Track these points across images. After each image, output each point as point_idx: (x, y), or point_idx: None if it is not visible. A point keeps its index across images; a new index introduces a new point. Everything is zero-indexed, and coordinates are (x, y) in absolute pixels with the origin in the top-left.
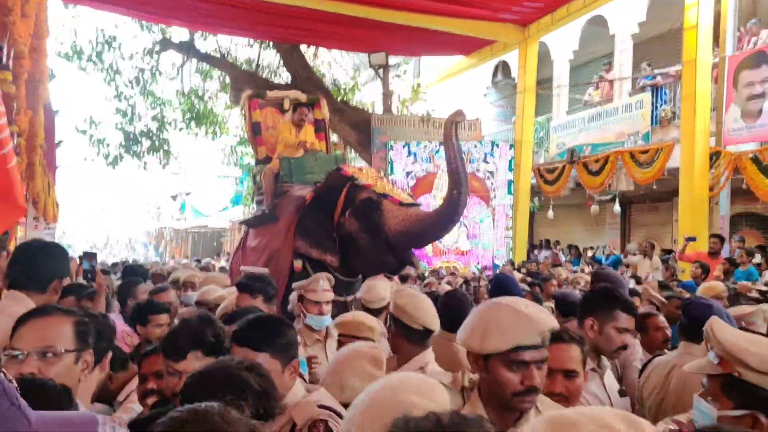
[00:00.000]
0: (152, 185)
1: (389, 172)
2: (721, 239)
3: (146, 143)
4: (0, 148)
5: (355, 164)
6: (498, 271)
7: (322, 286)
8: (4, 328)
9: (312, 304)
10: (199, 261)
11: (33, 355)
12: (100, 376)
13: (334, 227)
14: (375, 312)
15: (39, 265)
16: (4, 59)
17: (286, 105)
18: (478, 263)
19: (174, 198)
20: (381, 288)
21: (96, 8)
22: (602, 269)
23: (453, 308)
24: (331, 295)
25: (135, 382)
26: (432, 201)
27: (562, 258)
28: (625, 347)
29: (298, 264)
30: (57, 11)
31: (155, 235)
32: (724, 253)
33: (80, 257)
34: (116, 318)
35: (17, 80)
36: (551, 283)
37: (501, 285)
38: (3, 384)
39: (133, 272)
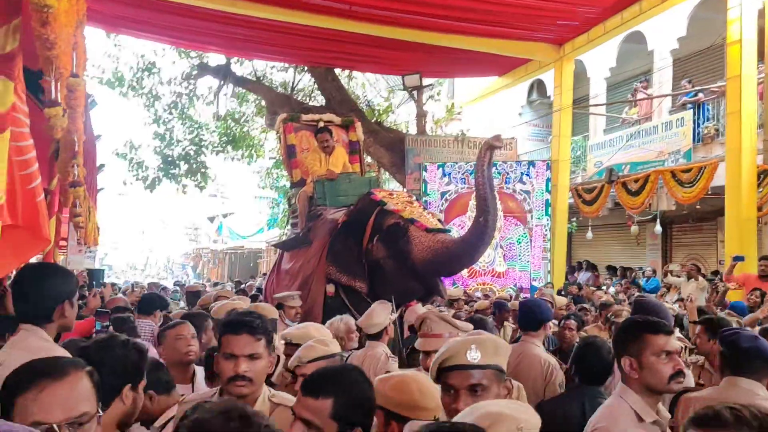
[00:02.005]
0: (190, 207)
1: (423, 193)
2: None
3: (184, 166)
4: (29, 183)
5: (389, 186)
6: (538, 293)
7: (431, 329)
8: (18, 363)
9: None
10: (240, 282)
11: (65, 428)
12: (123, 408)
13: (363, 253)
14: (374, 336)
15: (38, 294)
16: (53, 94)
17: (320, 128)
18: (515, 285)
19: (211, 220)
20: (377, 314)
21: (136, 37)
22: (642, 297)
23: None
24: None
25: (175, 409)
26: (467, 222)
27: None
28: (680, 373)
29: (330, 289)
30: (100, 40)
31: (193, 257)
32: None
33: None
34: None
35: (73, 113)
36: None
37: (643, 307)
38: None
39: (154, 304)
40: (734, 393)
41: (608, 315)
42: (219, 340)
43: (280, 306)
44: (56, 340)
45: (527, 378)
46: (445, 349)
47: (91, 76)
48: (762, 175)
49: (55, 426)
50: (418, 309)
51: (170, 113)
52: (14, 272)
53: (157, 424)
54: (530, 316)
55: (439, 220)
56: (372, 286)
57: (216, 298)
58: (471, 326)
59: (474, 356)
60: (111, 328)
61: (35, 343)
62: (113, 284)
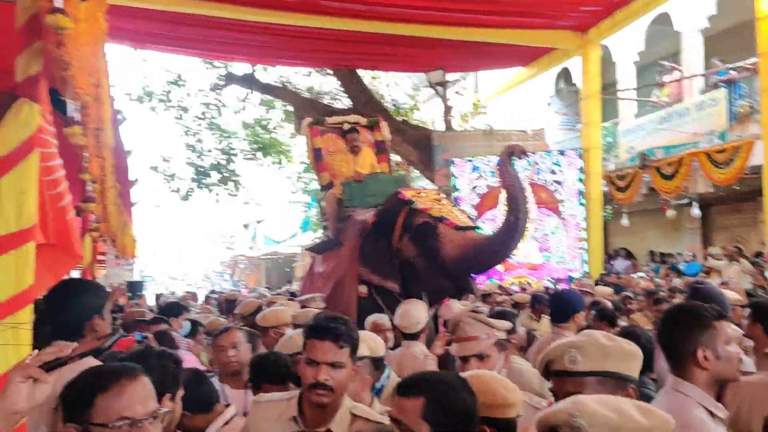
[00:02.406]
0: (224, 215)
1: (453, 188)
2: None
3: (216, 175)
4: (59, 201)
5: (419, 184)
6: (577, 283)
7: (466, 332)
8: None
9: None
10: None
11: (146, 421)
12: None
13: (393, 252)
14: (412, 336)
15: (67, 312)
16: (71, 113)
17: (346, 129)
18: (552, 277)
19: (246, 227)
20: (416, 312)
21: (162, 51)
22: (700, 284)
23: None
24: (482, 346)
25: (221, 420)
26: (498, 215)
27: (639, 272)
28: (740, 360)
29: (363, 290)
30: (126, 56)
31: (230, 264)
32: None
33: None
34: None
35: (85, 130)
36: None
37: (701, 294)
38: None
39: (169, 312)
40: None
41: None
42: (304, 344)
43: (303, 308)
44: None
45: None
46: (547, 351)
47: (119, 91)
48: None
49: (141, 419)
50: (453, 305)
51: (199, 124)
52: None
53: None
54: (560, 307)
55: (470, 217)
56: (404, 285)
57: (268, 304)
58: (509, 324)
59: (572, 361)
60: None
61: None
62: (159, 294)
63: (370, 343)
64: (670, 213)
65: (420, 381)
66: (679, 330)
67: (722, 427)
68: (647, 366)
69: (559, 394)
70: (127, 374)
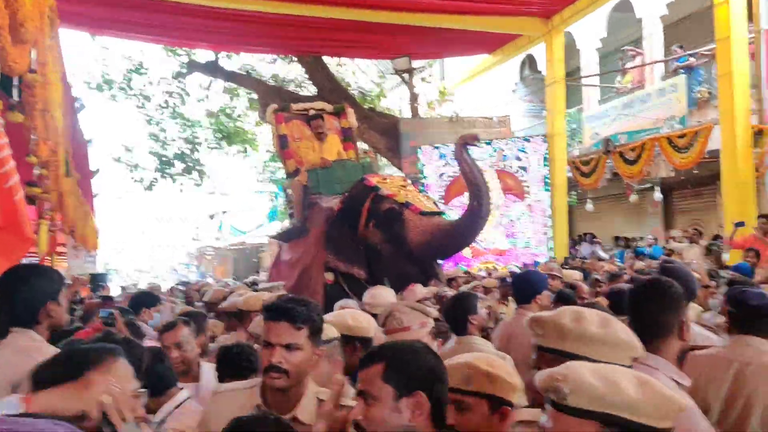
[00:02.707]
0: (189, 206)
1: (421, 175)
2: None
3: (180, 165)
4: (5, 181)
5: (386, 171)
6: (544, 267)
7: (401, 322)
8: (9, 362)
9: None
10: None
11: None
12: None
13: (360, 239)
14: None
15: (21, 297)
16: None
17: (312, 115)
18: (518, 262)
19: (211, 217)
20: (385, 294)
21: (122, 38)
22: (670, 263)
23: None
24: (421, 334)
25: (173, 403)
26: (466, 201)
27: (601, 253)
28: None
29: (329, 277)
30: (85, 44)
31: (197, 256)
32: None
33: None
34: None
35: (31, 110)
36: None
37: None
38: None
39: (141, 302)
40: (743, 351)
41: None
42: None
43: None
44: (51, 340)
45: (517, 351)
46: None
47: (78, 80)
48: (757, 136)
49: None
50: (417, 290)
51: (162, 113)
52: None
53: (156, 419)
54: (522, 288)
55: (435, 203)
56: (370, 271)
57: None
58: (436, 313)
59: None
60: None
61: (25, 343)
62: (124, 287)
63: (350, 322)
64: (633, 197)
65: (380, 348)
66: (665, 302)
67: (687, 395)
68: None
69: None
70: (113, 352)
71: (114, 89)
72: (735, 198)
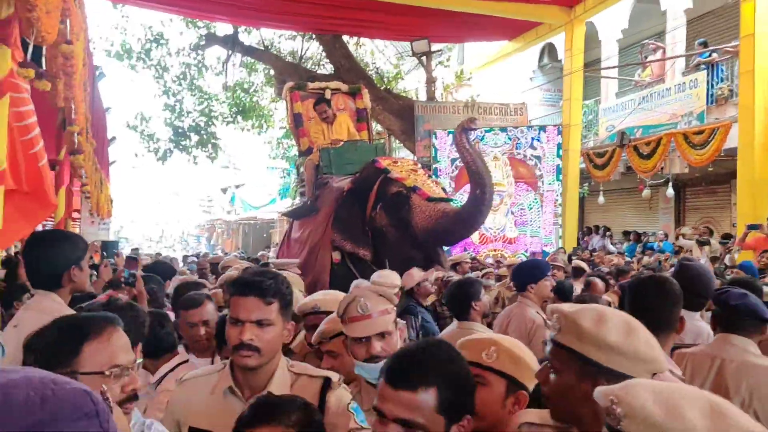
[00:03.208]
0: (203, 179)
1: (434, 160)
2: None
3: (194, 138)
4: (31, 148)
5: (400, 154)
6: (550, 258)
7: (366, 309)
8: (33, 323)
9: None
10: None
11: (131, 369)
12: None
13: (367, 220)
14: None
15: (47, 261)
16: (31, 57)
17: (327, 95)
18: (526, 250)
19: (224, 191)
20: (393, 276)
21: (142, 7)
22: (687, 260)
23: None
24: (388, 321)
25: (171, 363)
26: None
27: (611, 247)
28: None
29: (336, 256)
30: (106, 12)
31: (207, 228)
32: None
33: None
34: None
35: (69, 80)
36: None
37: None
38: (98, 406)
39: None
40: (726, 349)
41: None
42: (229, 303)
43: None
44: (70, 304)
45: (513, 337)
46: None
47: (98, 47)
48: None
49: (128, 367)
50: (414, 273)
51: (179, 84)
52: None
53: (153, 380)
54: (517, 276)
55: (444, 189)
56: (375, 253)
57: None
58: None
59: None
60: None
61: (49, 305)
62: (135, 249)
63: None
64: (646, 192)
65: (423, 366)
66: (669, 297)
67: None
68: None
69: None
70: (111, 322)
71: (133, 59)
72: (749, 197)
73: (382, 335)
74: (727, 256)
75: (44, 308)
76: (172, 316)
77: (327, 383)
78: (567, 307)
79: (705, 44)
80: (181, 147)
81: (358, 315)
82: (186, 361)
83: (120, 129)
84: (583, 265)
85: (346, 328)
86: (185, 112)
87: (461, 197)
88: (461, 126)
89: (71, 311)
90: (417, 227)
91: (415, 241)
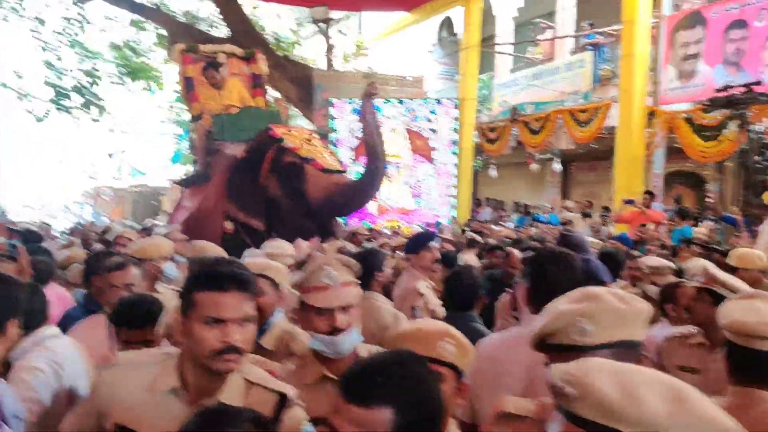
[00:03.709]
0: (87, 142)
1: (331, 129)
2: (652, 195)
3: (77, 98)
4: None
5: (297, 122)
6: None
7: (333, 278)
8: None
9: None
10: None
11: None
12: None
13: (260, 190)
14: None
15: None
16: None
17: (221, 59)
18: (422, 222)
19: (110, 156)
20: (286, 245)
21: None
22: (568, 231)
23: None
24: (353, 294)
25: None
26: None
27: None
28: None
29: (229, 226)
30: None
31: (93, 195)
32: (657, 209)
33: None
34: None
35: None
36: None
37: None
38: None
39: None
40: None
41: None
42: (187, 297)
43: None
44: None
45: (407, 308)
46: (545, 323)
47: None
48: (650, 116)
49: None
50: (301, 244)
51: (59, 40)
52: None
53: (13, 354)
54: (406, 248)
55: (339, 160)
56: (268, 224)
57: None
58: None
59: (582, 332)
60: None
61: None
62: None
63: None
64: (534, 166)
65: (385, 383)
66: (575, 274)
67: (730, 417)
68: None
69: None
70: None
71: (5, 9)
72: (626, 173)
73: (345, 308)
74: (604, 228)
75: None
76: None
77: (283, 399)
78: (584, 304)
79: (592, 26)
80: (61, 107)
81: (323, 284)
82: (53, 336)
83: None
84: (476, 236)
85: (306, 296)
86: (66, 71)
87: (360, 168)
88: (365, 93)
89: None
90: (311, 198)
91: (309, 211)
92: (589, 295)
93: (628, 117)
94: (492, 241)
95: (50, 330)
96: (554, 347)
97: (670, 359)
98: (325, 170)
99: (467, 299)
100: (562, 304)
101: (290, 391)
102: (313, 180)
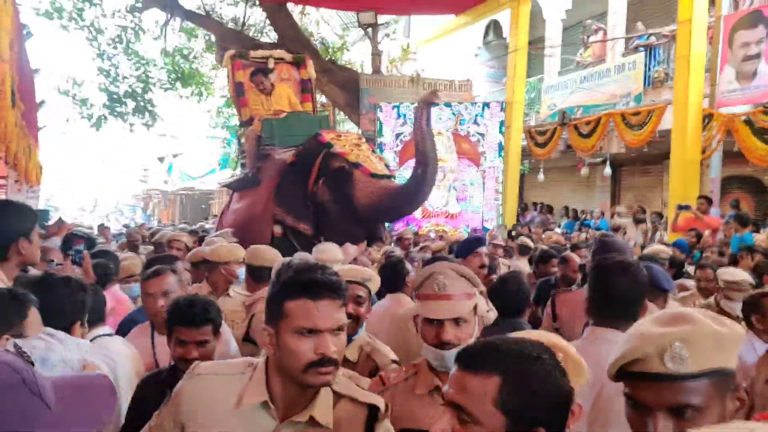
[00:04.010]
0: (139, 147)
1: (378, 134)
2: (709, 200)
3: (131, 104)
4: None
5: (344, 126)
6: (490, 234)
7: (443, 288)
8: None
9: (427, 324)
10: (193, 230)
11: None
12: None
13: (309, 195)
14: None
15: None
16: None
17: (271, 65)
18: (467, 226)
19: (161, 160)
20: (335, 250)
21: None
22: (607, 236)
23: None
24: (466, 306)
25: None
26: None
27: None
28: None
29: (277, 229)
30: None
31: (143, 198)
32: (714, 215)
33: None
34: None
35: None
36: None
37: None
38: (23, 374)
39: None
40: None
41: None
42: (276, 307)
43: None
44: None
45: None
46: (626, 349)
47: (25, 4)
48: (706, 119)
49: None
50: (349, 249)
51: (115, 48)
52: None
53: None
54: (454, 253)
55: (387, 165)
56: (317, 228)
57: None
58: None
59: (678, 359)
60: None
61: None
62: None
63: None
64: (584, 171)
65: (496, 352)
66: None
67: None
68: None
69: (654, 408)
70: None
71: (64, 18)
72: (681, 178)
73: (456, 321)
74: (657, 234)
75: None
76: None
77: (374, 413)
78: (676, 327)
79: (644, 27)
80: (116, 113)
81: (433, 293)
82: (107, 335)
83: (50, 93)
84: (529, 242)
85: (418, 305)
86: (121, 77)
87: (405, 172)
88: (424, 100)
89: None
90: (359, 203)
91: (357, 216)
92: (682, 317)
93: (683, 120)
94: (543, 246)
95: (104, 329)
96: (637, 375)
97: (759, 374)
98: (373, 175)
99: (514, 306)
100: (649, 327)
101: (381, 403)
102: (362, 185)
